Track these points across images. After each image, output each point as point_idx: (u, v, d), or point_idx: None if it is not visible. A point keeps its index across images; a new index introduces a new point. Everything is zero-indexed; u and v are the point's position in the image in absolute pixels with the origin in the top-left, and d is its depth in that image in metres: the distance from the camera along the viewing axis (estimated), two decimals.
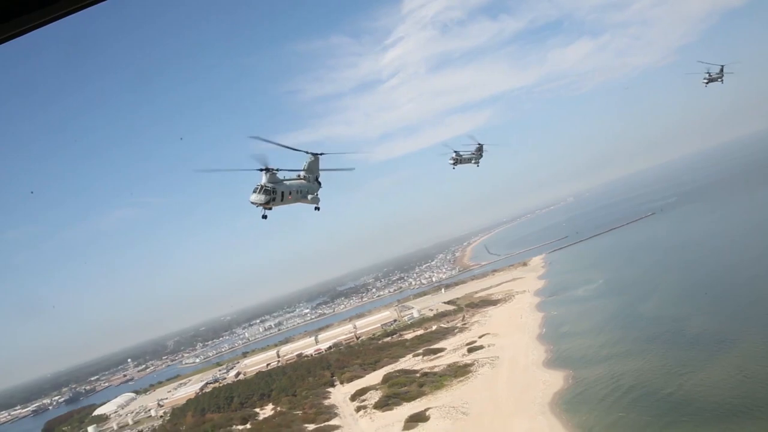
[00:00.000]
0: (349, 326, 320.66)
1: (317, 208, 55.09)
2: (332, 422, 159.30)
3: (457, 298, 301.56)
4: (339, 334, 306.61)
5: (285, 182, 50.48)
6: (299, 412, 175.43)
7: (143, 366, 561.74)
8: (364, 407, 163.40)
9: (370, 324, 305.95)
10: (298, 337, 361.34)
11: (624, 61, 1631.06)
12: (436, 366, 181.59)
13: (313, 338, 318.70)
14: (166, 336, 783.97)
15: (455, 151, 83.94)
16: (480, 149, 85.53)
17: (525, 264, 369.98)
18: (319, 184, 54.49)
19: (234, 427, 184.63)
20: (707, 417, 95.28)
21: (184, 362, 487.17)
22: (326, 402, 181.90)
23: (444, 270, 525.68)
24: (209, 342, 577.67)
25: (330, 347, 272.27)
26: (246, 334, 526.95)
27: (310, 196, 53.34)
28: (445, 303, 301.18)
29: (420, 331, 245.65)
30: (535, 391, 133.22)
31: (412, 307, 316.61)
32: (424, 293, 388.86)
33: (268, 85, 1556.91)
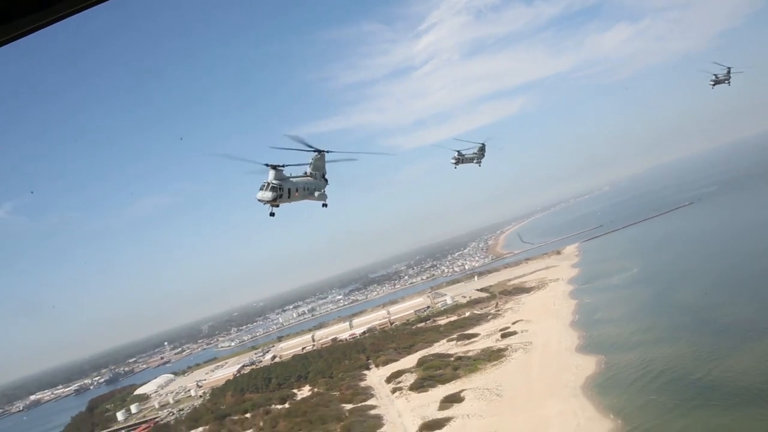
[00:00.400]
0: (382, 312, 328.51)
1: (325, 205, 55.69)
2: (369, 402, 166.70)
3: (490, 286, 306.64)
4: (373, 319, 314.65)
5: (291, 179, 51.05)
6: (336, 393, 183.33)
7: (179, 349, 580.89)
8: (400, 389, 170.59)
9: (403, 310, 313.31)
10: (332, 323, 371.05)
11: (663, 46, 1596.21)
12: (470, 350, 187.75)
13: (347, 323, 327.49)
14: (200, 321, 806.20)
15: (457, 151, 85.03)
16: (482, 149, 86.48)
17: (559, 253, 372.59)
18: (326, 181, 55.16)
19: (273, 406, 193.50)
20: (735, 401, 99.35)
21: (219, 346, 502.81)
22: (362, 384, 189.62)
23: (477, 258, 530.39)
24: (243, 327, 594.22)
25: (364, 332, 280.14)
26: (280, 319, 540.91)
27: (317, 193, 53.99)
28: (478, 290, 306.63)
29: (453, 318, 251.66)
30: (567, 374, 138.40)
31: (445, 294, 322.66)
32: (457, 281, 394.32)
33: (299, 73, 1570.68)
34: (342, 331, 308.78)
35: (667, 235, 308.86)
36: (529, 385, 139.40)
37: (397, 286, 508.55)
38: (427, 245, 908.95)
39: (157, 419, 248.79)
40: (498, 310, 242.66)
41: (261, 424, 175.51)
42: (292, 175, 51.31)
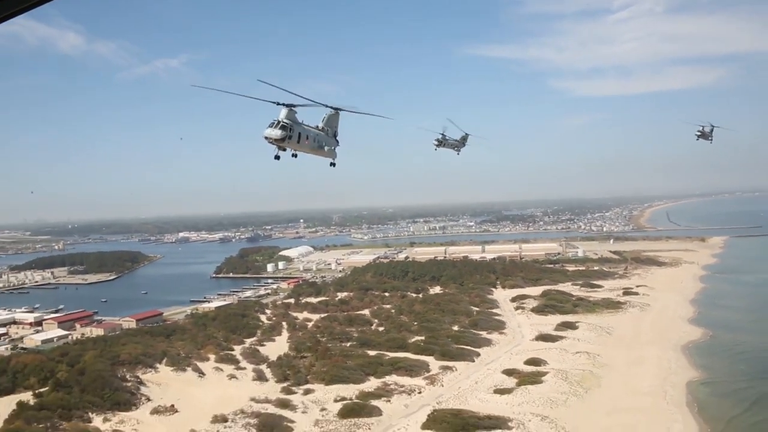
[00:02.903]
0: (514, 246, 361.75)
1: (333, 164, 55.44)
2: (493, 311, 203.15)
3: (624, 251, 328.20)
4: (504, 249, 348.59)
5: (304, 125, 49.78)
6: (466, 297, 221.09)
7: (313, 229, 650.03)
8: (523, 308, 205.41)
9: (534, 250, 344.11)
10: (462, 243, 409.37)
11: None
12: (591, 296, 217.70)
13: (478, 247, 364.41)
14: (331, 210, 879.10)
15: (441, 133, 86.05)
16: (464, 139, 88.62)
17: (703, 240, 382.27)
18: (337, 142, 54.79)
19: (409, 294, 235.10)
20: None
21: (352, 236, 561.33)
22: (489, 296, 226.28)
23: (617, 223, 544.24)
24: (374, 225, 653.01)
25: (494, 258, 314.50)
26: (411, 228, 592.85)
27: (327, 148, 53.32)
28: (611, 252, 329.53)
29: (581, 268, 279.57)
30: (673, 335, 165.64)
31: (578, 247, 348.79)
32: (592, 239, 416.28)
33: None
34: (473, 252, 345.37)
35: None
36: (637, 334, 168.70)
37: (530, 228, 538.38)
38: (566, 198, 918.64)
39: (303, 278, 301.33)
40: (626, 273, 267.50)
41: (399, 303, 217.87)
42: (304, 122, 50.47)
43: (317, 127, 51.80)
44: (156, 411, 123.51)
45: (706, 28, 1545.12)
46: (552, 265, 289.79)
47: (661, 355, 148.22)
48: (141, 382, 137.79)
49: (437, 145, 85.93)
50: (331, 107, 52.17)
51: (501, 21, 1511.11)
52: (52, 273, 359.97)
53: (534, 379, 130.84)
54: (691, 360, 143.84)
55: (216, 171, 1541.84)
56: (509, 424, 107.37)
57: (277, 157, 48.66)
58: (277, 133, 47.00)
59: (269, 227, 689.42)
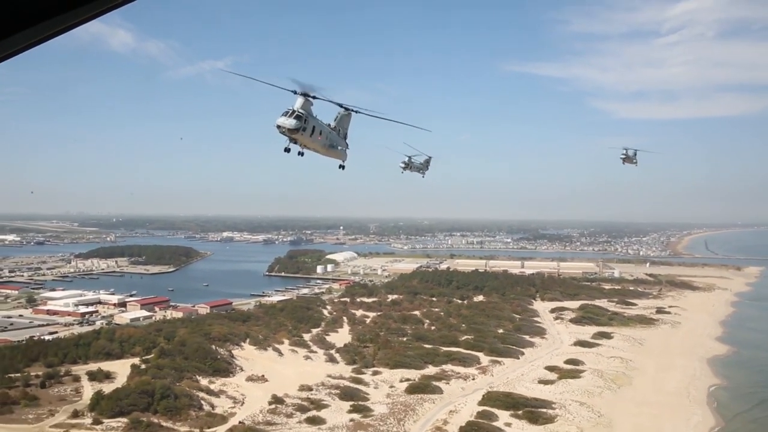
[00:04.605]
0: (552, 263, 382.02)
1: (342, 167, 54.41)
2: (534, 319, 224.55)
3: (659, 274, 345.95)
4: (542, 266, 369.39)
5: (318, 120, 47.85)
6: (508, 306, 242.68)
7: (353, 236, 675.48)
8: (561, 318, 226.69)
9: (571, 268, 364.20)
10: (501, 258, 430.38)
11: None
12: (625, 312, 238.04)
13: (517, 262, 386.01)
14: (367, 219, 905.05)
15: (408, 156, 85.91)
16: (428, 162, 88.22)
17: (739, 269, 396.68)
18: (347, 144, 53.64)
19: (454, 300, 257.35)
20: None
21: (392, 245, 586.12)
22: (530, 307, 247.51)
23: (654, 248, 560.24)
24: (412, 236, 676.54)
25: (533, 273, 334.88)
26: (449, 241, 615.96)
27: (339, 148, 52.19)
28: (646, 274, 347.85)
29: (617, 287, 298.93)
30: (700, 349, 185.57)
31: (614, 268, 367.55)
32: (628, 261, 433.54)
33: (532, 8, 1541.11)
34: (512, 266, 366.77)
35: None
36: (667, 346, 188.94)
37: (567, 248, 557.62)
38: (603, 221, 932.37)
39: (353, 280, 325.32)
40: (660, 294, 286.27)
41: (446, 307, 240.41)
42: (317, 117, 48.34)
43: (329, 125, 50.21)
44: (250, 378, 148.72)
45: (757, 55, 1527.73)
46: (589, 283, 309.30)
47: (687, 365, 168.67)
48: (232, 356, 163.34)
49: (404, 168, 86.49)
50: (345, 107, 50.46)
51: (545, 39, 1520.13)
52: (116, 262, 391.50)
53: (573, 374, 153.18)
54: (714, 370, 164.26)
55: (255, 174, 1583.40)
56: (553, 405, 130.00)
57: (287, 150, 46.38)
58: (291, 122, 44.69)
59: (309, 232, 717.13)
